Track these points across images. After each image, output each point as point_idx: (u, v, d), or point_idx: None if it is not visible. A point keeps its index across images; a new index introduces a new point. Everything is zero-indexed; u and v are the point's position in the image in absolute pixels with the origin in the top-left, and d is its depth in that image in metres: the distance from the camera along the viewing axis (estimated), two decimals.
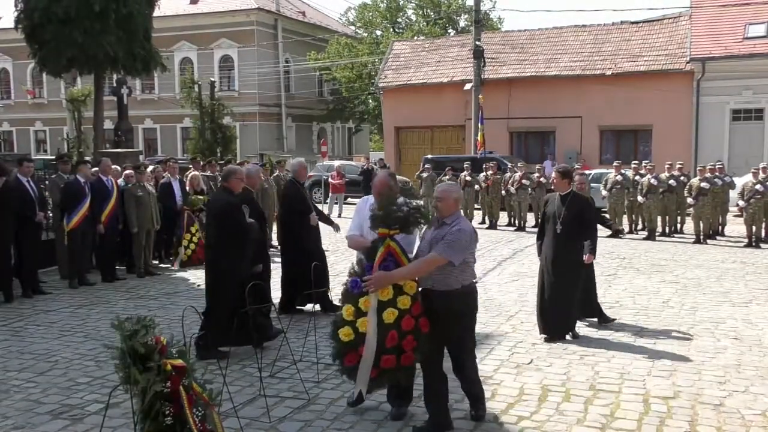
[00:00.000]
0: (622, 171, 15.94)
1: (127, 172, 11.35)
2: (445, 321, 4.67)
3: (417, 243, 4.94)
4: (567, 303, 7.01)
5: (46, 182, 11.29)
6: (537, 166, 18.80)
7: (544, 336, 7.08)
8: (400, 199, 4.75)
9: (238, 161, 15.07)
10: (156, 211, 11.20)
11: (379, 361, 4.55)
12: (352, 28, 47.00)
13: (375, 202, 4.96)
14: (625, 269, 11.25)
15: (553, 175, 7.43)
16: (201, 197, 11.98)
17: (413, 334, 4.60)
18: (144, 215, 10.89)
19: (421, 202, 4.77)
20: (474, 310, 4.89)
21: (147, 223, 10.96)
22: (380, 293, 4.54)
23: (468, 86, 25.69)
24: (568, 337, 7.08)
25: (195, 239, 11.80)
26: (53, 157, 16.11)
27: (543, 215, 7.37)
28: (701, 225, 14.52)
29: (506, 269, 11.33)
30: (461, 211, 4.87)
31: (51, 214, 10.29)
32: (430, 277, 4.67)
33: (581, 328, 7.34)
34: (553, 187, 7.56)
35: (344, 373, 4.80)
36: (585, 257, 6.96)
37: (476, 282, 4.84)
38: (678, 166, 16.05)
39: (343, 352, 4.64)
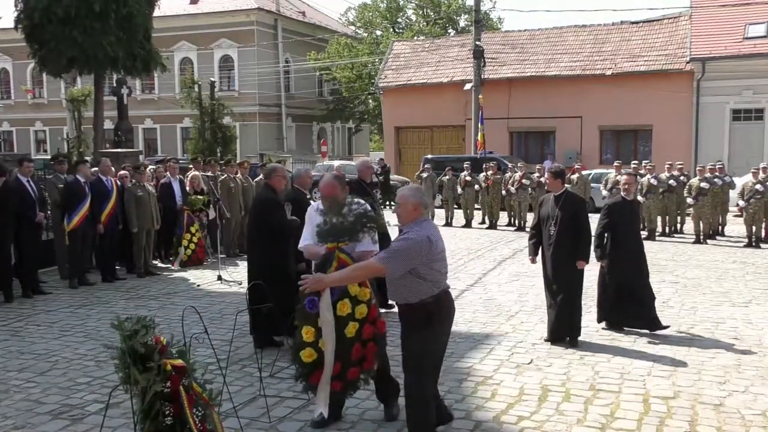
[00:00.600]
0: (623, 171, 15.93)
1: (122, 172, 11.35)
2: (403, 333, 4.43)
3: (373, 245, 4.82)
4: (568, 306, 6.90)
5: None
6: (537, 166, 18.81)
7: (545, 337, 7.05)
8: (345, 209, 4.53)
9: (238, 161, 15.03)
10: (156, 211, 11.21)
11: (346, 374, 4.53)
12: (352, 28, 46.99)
13: (323, 206, 4.77)
14: None
15: (546, 175, 7.38)
16: (201, 197, 11.99)
17: (374, 340, 4.60)
18: (144, 215, 10.90)
19: (373, 208, 4.55)
20: (434, 327, 4.31)
21: (147, 222, 10.97)
22: (339, 309, 4.46)
23: (468, 86, 25.70)
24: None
25: (195, 239, 11.82)
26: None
27: (538, 216, 7.24)
28: (701, 225, 14.52)
29: (506, 269, 11.33)
30: (426, 216, 4.39)
31: (50, 214, 10.29)
32: (389, 289, 4.42)
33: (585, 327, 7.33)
34: (546, 188, 7.47)
35: (310, 389, 4.68)
36: (578, 263, 6.82)
37: (443, 292, 4.32)
38: (678, 166, 16.05)
39: (309, 371, 4.54)
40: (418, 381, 4.35)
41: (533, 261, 7.22)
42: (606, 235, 7.40)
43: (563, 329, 6.97)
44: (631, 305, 7.36)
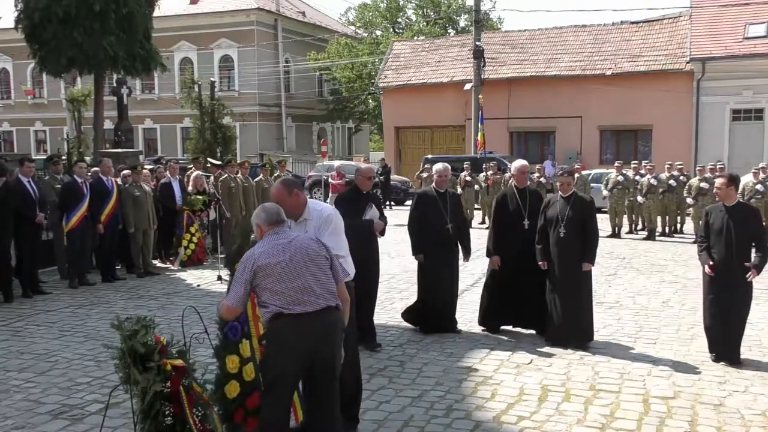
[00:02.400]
0: (623, 171, 15.95)
1: (125, 172, 11.34)
2: None
3: None
4: (578, 309, 6.76)
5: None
6: (537, 166, 18.80)
7: (548, 342, 6.88)
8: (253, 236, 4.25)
9: (238, 161, 15.03)
10: (152, 211, 11.21)
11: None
12: (352, 28, 47.00)
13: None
14: (625, 269, 11.25)
15: (559, 178, 7.07)
16: (200, 197, 11.98)
17: None
18: (141, 215, 10.91)
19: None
20: (273, 350, 3.92)
21: (144, 223, 10.98)
22: (242, 349, 4.23)
23: (468, 86, 25.69)
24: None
25: (195, 239, 11.81)
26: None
27: (545, 219, 6.96)
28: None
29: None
30: (274, 230, 4.03)
31: (48, 215, 10.28)
32: None
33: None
34: (558, 190, 7.10)
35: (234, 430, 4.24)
36: (583, 265, 6.72)
37: (287, 315, 3.87)
38: (678, 166, 16.04)
39: (232, 410, 4.20)
40: (263, 399, 4.07)
41: (545, 266, 6.92)
42: (704, 244, 6.48)
43: (572, 333, 6.79)
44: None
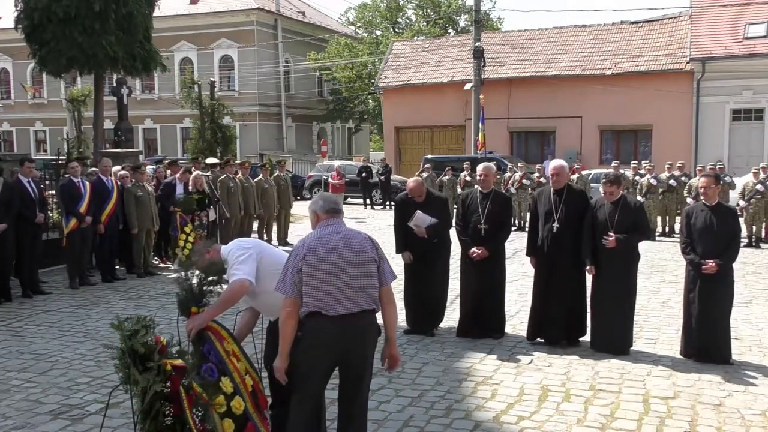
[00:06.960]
0: (621, 171, 15.95)
1: (122, 173, 11.29)
2: None
3: None
4: (627, 315, 6.63)
5: (47, 182, 11.28)
6: (537, 166, 18.81)
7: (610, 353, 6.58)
8: (189, 272, 4.42)
9: (239, 161, 15.01)
10: (155, 211, 11.20)
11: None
12: (352, 28, 47.01)
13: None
14: None
15: (603, 185, 6.85)
16: (194, 197, 11.91)
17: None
18: (143, 215, 10.90)
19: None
20: (299, 351, 3.94)
21: (146, 223, 10.97)
22: (224, 385, 4.13)
23: (468, 86, 25.68)
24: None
25: (190, 239, 11.75)
26: (53, 158, 16.11)
27: (593, 221, 6.74)
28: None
29: (506, 269, 11.30)
30: (328, 221, 4.09)
31: (51, 215, 10.27)
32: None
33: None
34: (604, 194, 6.86)
35: None
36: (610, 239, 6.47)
37: (320, 316, 3.89)
38: (678, 165, 16.04)
39: (243, 423, 4.15)
40: (293, 396, 4.06)
41: (592, 271, 6.67)
42: (688, 244, 6.50)
43: (616, 340, 6.61)
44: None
